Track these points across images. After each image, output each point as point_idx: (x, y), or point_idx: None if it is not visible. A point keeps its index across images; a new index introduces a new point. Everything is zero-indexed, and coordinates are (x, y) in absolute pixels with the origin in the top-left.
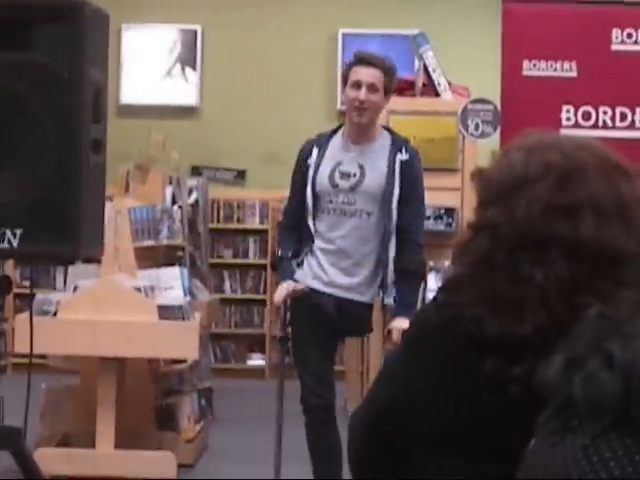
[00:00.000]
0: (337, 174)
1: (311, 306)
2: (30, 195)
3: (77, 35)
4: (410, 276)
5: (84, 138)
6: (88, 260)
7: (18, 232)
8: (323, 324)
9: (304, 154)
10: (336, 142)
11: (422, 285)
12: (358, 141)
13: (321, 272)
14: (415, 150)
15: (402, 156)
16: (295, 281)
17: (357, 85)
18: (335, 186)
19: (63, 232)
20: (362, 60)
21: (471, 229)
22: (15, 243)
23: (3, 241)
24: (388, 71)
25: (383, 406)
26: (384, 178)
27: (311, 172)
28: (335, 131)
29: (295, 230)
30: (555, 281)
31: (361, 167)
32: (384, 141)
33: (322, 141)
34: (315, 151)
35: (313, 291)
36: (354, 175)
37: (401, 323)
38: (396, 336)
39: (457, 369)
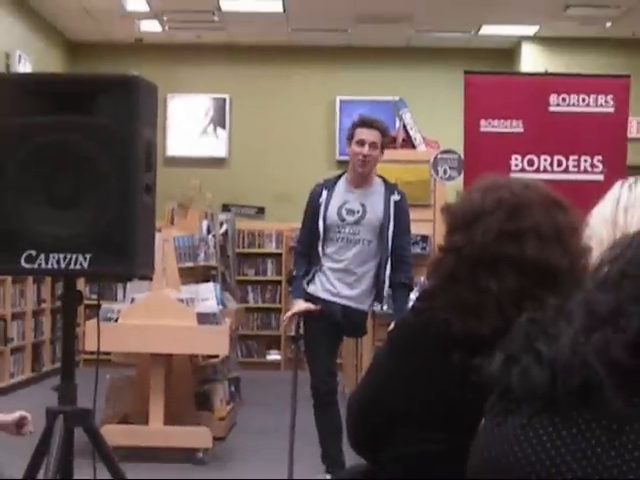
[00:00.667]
0: (344, 211)
1: (319, 315)
2: (97, 228)
3: (133, 102)
4: (405, 288)
5: (138, 184)
6: (142, 278)
7: (88, 256)
8: (331, 326)
9: (315, 195)
10: (341, 186)
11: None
12: (359, 185)
13: (330, 286)
14: (403, 193)
15: (395, 197)
16: (306, 297)
17: (361, 143)
18: (342, 220)
19: (123, 256)
20: (365, 123)
21: (441, 251)
22: (86, 265)
23: (76, 264)
24: (384, 132)
25: (373, 391)
26: (381, 214)
27: (322, 209)
28: (339, 177)
29: (306, 255)
30: (507, 291)
31: (363, 205)
32: (379, 186)
33: (329, 185)
34: (324, 193)
35: (323, 301)
36: (357, 212)
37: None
38: None
39: (430, 361)
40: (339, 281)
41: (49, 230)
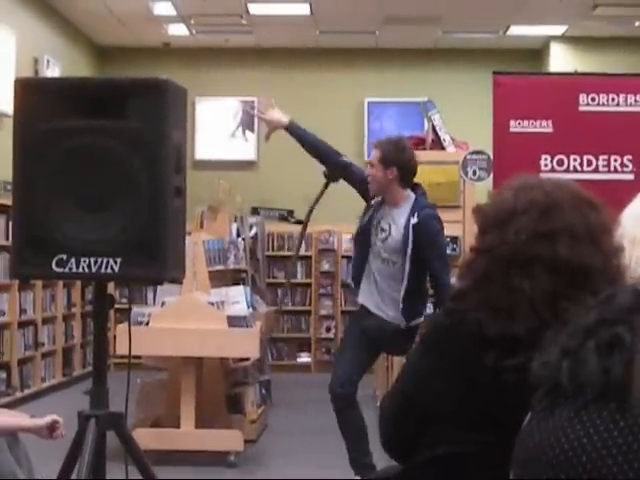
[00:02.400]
0: (379, 228)
1: (359, 321)
2: (127, 231)
3: (162, 106)
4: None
5: (169, 186)
6: (173, 281)
7: (118, 260)
8: (364, 338)
9: (375, 205)
10: (382, 202)
11: None
12: (389, 205)
13: (374, 296)
14: (427, 214)
15: (413, 220)
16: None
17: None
18: (377, 235)
19: (153, 260)
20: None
21: (473, 252)
22: (116, 269)
23: (107, 268)
24: (383, 148)
25: (406, 392)
26: (402, 237)
27: (371, 217)
28: None
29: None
30: (540, 291)
31: (389, 225)
32: (405, 207)
33: (377, 202)
34: (377, 200)
35: (367, 311)
36: (385, 231)
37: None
38: None
39: (463, 361)
40: (379, 296)
41: (80, 234)
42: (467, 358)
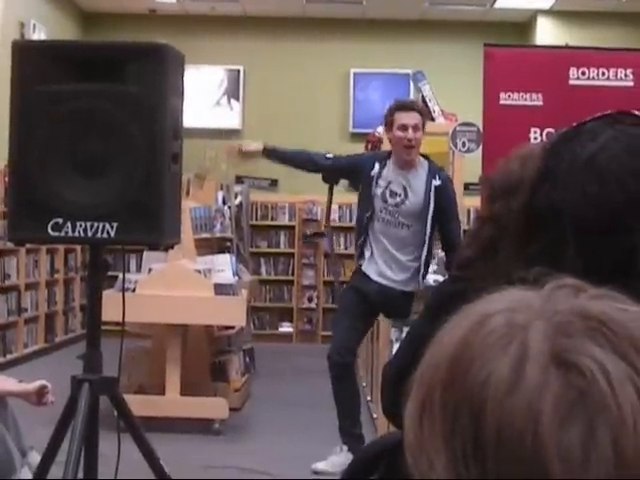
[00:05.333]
0: (388, 192)
1: (358, 289)
2: (124, 196)
3: (161, 71)
4: None
5: (166, 152)
6: (168, 247)
7: (115, 225)
8: (365, 304)
9: (368, 163)
10: (390, 165)
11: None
12: (403, 167)
13: (375, 265)
14: (446, 176)
15: (436, 182)
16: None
17: (404, 128)
18: (385, 201)
19: (150, 225)
20: (404, 106)
21: (479, 220)
22: (113, 233)
23: (103, 232)
24: (423, 112)
25: (409, 357)
26: (421, 200)
27: (374, 183)
28: (389, 154)
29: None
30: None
31: (405, 189)
32: (422, 169)
33: (381, 159)
34: (377, 166)
35: (369, 279)
36: (399, 195)
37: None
38: None
39: None
40: (383, 261)
41: (76, 198)
42: None
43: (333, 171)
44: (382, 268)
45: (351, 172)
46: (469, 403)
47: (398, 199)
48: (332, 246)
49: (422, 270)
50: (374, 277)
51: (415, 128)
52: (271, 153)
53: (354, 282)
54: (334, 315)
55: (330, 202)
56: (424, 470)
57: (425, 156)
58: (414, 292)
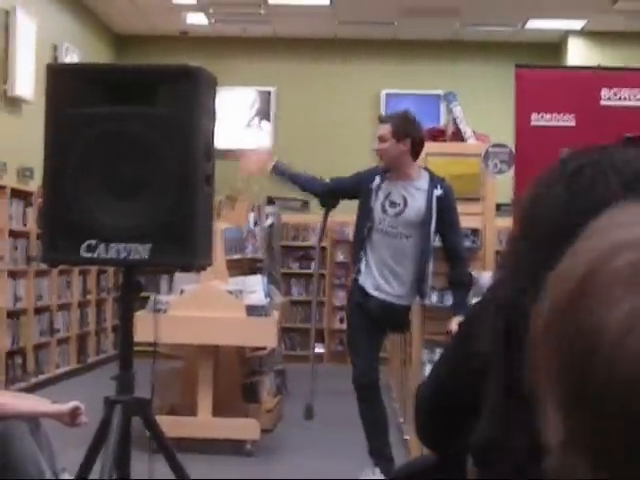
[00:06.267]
0: (387, 202)
1: (361, 306)
2: (157, 217)
3: (194, 93)
4: (461, 285)
5: (199, 173)
6: (200, 268)
7: (148, 246)
8: (369, 321)
9: (366, 178)
10: (389, 177)
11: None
12: (401, 178)
13: (372, 279)
14: (448, 187)
15: (437, 192)
16: (358, 287)
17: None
18: (384, 212)
19: (183, 246)
20: (379, 119)
21: (512, 242)
22: (146, 255)
23: (137, 254)
24: (394, 122)
25: (442, 381)
26: (423, 209)
27: (373, 195)
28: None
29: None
30: None
31: (404, 199)
32: (423, 180)
33: (382, 173)
34: (377, 179)
35: (367, 294)
36: (398, 205)
37: (457, 322)
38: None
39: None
40: (380, 274)
41: (110, 220)
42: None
43: (334, 192)
44: (379, 281)
45: (351, 190)
46: (583, 340)
47: (398, 209)
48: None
49: (421, 283)
50: (372, 291)
51: (380, 139)
52: (280, 172)
53: (355, 298)
54: (348, 338)
55: (324, 225)
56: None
57: (425, 168)
58: (411, 305)
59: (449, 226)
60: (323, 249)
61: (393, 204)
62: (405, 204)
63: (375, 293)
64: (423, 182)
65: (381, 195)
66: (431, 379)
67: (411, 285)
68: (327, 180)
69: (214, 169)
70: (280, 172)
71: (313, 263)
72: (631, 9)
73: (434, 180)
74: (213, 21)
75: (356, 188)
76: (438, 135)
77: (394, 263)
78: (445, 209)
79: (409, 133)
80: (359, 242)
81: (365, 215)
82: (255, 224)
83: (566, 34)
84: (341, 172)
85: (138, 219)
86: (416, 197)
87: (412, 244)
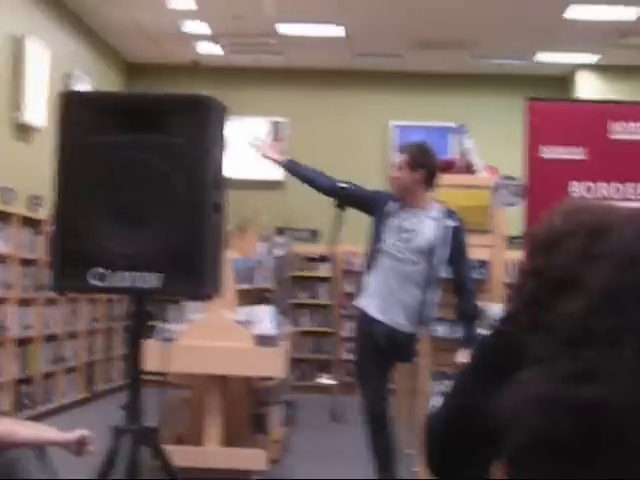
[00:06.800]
0: (399, 228)
1: (367, 335)
2: (167, 246)
3: (204, 122)
4: (469, 317)
5: (208, 202)
6: (208, 297)
7: (157, 275)
8: (377, 350)
9: (382, 200)
10: (402, 204)
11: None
12: (414, 207)
13: (377, 301)
14: (460, 219)
15: (450, 222)
16: (360, 312)
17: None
18: (395, 237)
19: (193, 275)
20: (398, 149)
21: (522, 274)
22: (156, 283)
23: (147, 282)
24: (411, 152)
25: (454, 412)
26: (431, 238)
27: (386, 220)
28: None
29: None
30: None
31: (415, 227)
32: (435, 210)
33: (397, 198)
34: (391, 204)
35: (371, 319)
36: (409, 232)
37: (464, 354)
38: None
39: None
40: (383, 299)
41: (120, 248)
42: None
43: (347, 197)
44: (385, 306)
45: (365, 203)
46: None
47: (408, 235)
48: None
49: (424, 312)
50: (377, 315)
51: (397, 167)
52: (290, 166)
53: (362, 328)
54: (356, 368)
55: (339, 228)
56: None
57: (440, 202)
58: (416, 334)
59: (460, 257)
60: (329, 279)
61: (405, 230)
62: (416, 232)
63: (380, 317)
64: (435, 212)
65: (395, 220)
66: (442, 411)
67: (415, 313)
68: (344, 183)
69: (224, 198)
70: (292, 164)
71: (322, 294)
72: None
73: (447, 211)
74: (225, 51)
75: (372, 204)
76: (446, 167)
77: (400, 288)
78: (458, 240)
79: (424, 164)
80: (369, 263)
81: (376, 237)
82: (265, 254)
83: (575, 67)
84: None
85: (148, 248)
86: (427, 225)
87: (418, 271)
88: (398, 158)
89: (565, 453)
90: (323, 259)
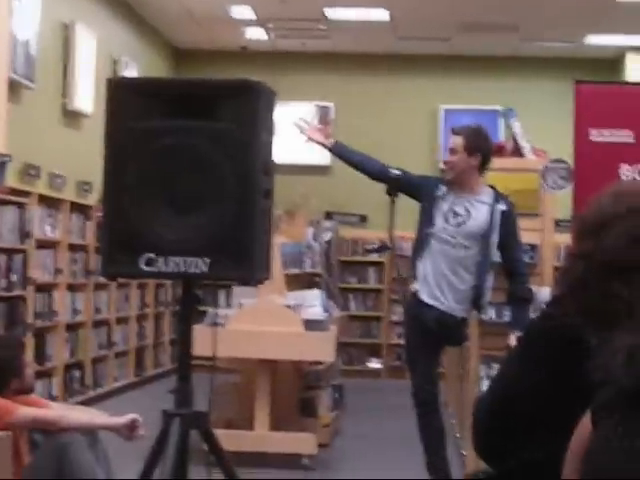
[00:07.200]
0: (450, 213)
1: (418, 318)
2: (216, 231)
3: (254, 107)
4: (521, 300)
5: (258, 188)
6: (258, 282)
7: (207, 260)
8: (430, 334)
9: (432, 185)
10: (454, 188)
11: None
12: (465, 191)
13: (428, 287)
14: (512, 203)
15: (501, 206)
16: (412, 296)
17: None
18: (447, 221)
19: (241, 260)
20: (452, 131)
21: (570, 258)
22: (205, 269)
23: (196, 267)
24: (467, 135)
25: (501, 396)
26: (485, 222)
27: (438, 204)
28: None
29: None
30: (638, 297)
31: (467, 211)
32: (486, 195)
33: (446, 183)
34: (442, 188)
35: (423, 303)
36: (461, 216)
37: (515, 337)
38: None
39: (557, 366)
40: (436, 284)
41: (169, 234)
42: (564, 363)
43: (398, 184)
44: (435, 291)
45: (415, 189)
46: None
47: (460, 219)
48: (390, 248)
49: (478, 296)
50: (428, 300)
51: (452, 151)
52: (338, 150)
53: (412, 312)
54: (405, 352)
55: (393, 215)
56: None
57: (491, 186)
58: (467, 318)
59: (511, 240)
60: (381, 264)
61: (456, 215)
62: (469, 216)
63: (431, 302)
64: (487, 197)
65: (445, 205)
66: (489, 394)
67: (467, 297)
68: (395, 171)
69: (273, 183)
70: (339, 147)
71: (371, 278)
72: None
73: (497, 196)
74: (273, 36)
75: (422, 190)
76: (497, 151)
77: (451, 273)
78: (508, 224)
79: (480, 148)
80: (418, 249)
81: (427, 221)
82: (314, 239)
83: (625, 49)
84: None
85: (197, 233)
86: (480, 210)
87: (470, 256)
88: (453, 141)
89: None
90: (381, 249)
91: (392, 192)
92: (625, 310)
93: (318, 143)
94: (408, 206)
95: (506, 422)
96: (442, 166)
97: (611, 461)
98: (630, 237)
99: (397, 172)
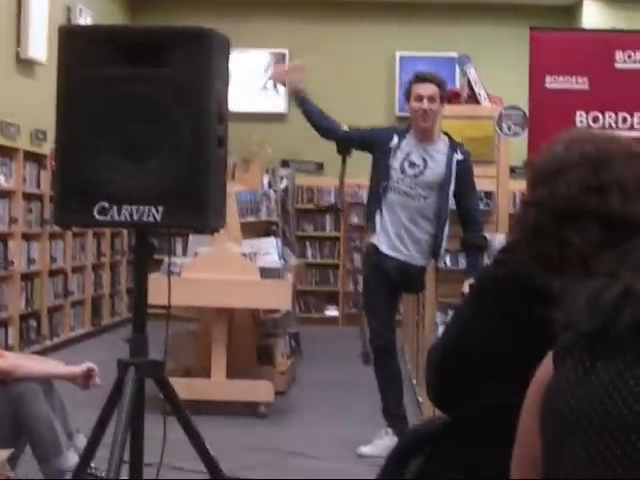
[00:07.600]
0: (406, 163)
1: (377, 267)
2: (170, 180)
3: (207, 55)
4: (475, 248)
5: (211, 136)
6: (213, 231)
7: (160, 209)
8: (388, 282)
9: (385, 136)
10: (409, 138)
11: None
12: (423, 140)
13: (387, 238)
14: (467, 151)
15: (458, 156)
16: (370, 246)
17: (419, 98)
18: (403, 172)
19: (196, 208)
20: (421, 78)
21: (523, 205)
22: (158, 217)
23: (149, 216)
24: (441, 85)
25: (455, 342)
26: (442, 172)
27: (391, 154)
28: (407, 129)
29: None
30: (590, 244)
31: (424, 160)
32: (442, 143)
33: (400, 133)
34: (395, 138)
35: (382, 254)
36: (418, 166)
37: (470, 283)
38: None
39: (512, 313)
40: (395, 235)
41: (122, 182)
42: (515, 310)
43: (348, 141)
44: (395, 242)
45: (367, 143)
46: None
47: (417, 169)
48: (342, 203)
49: (437, 245)
50: (387, 251)
51: (430, 99)
52: (303, 101)
53: (371, 261)
54: (363, 299)
55: (343, 173)
56: None
57: (446, 133)
58: (426, 267)
59: (467, 190)
60: (338, 211)
61: (412, 165)
62: (425, 165)
63: (391, 253)
64: (443, 145)
65: (400, 155)
66: (443, 340)
67: (426, 246)
68: (345, 127)
69: (227, 132)
70: (302, 100)
71: (328, 226)
72: None
73: (453, 144)
74: None
75: (373, 143)
76: (453, 98)
77: (410, 223)
78: (464, 173)
79: (447, 96)
80: (374, 201)
81: (382, 173)
82: (269, 187)
83: None
84: None
85: (150, 181)
86: (436, 159)
87: (429, 205)
88: (430, 89)
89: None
90: (330, 209)
91: (342, 151)
92: (577, 256)
93: (292, 88)
94: (362, 154)
95: (459, 368)
96: (399, 113)
97: (571, 398)
98: (582, 184)
99: (346, 129)
